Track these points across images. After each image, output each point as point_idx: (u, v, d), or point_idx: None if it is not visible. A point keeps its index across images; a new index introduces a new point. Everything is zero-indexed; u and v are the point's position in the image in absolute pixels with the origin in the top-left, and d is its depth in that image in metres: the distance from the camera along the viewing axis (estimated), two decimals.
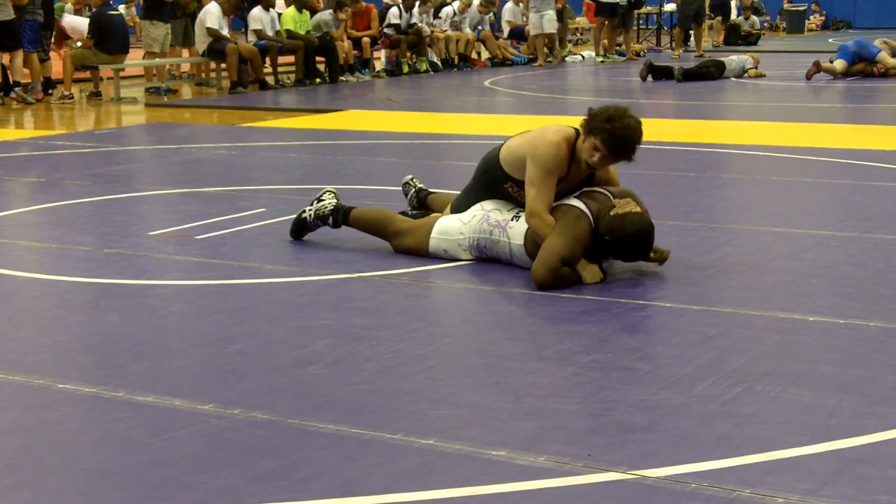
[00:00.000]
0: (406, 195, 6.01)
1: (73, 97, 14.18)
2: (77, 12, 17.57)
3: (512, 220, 5.09)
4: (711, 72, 16.03)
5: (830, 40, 25.24)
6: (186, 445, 3.15)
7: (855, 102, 13.54)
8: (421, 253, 5.30)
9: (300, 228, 5.69)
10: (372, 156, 9.13)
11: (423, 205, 5.86)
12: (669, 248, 5.31)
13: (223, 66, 15.79)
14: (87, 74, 14.97)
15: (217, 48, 15.20)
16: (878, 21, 33.30)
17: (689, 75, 15.82)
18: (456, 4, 19.67)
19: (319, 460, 3.04)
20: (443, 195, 5.87)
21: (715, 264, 5.17)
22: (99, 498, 2.86)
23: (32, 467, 3.05)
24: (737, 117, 12.01)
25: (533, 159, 4.94)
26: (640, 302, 4.60)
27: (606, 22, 20.39)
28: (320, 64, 16.78)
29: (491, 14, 20.30)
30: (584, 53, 21.33)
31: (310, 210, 5.65)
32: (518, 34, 20.68)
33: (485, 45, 20.27)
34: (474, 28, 19.85)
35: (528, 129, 5.28)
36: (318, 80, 16.46)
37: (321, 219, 5.62)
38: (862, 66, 15.88)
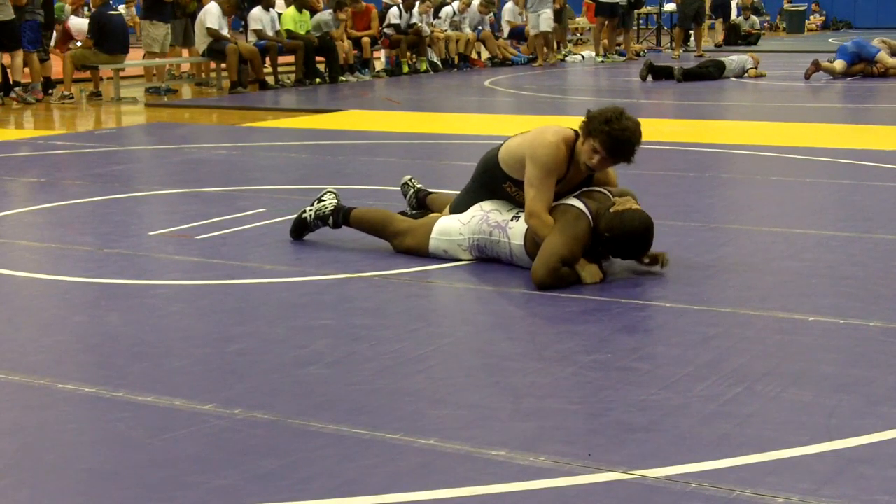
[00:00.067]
0: (405, 195, 6.01)
1: (73, 97, 14.18)
2: (75, 12, 17.57)
3: (511, 220, 5.09)
4: (711, 72, 16.03)
5: (830, 40, 25.25)
6: (186, 445, 3.15)
7: (855, 102, 13.54)
8: (421, 253, 5.30)
9: (300, 228, 5.69)
10: (372, 156, 9.13)
11: (423, 205, 5.86)
12: (669, 248, 5.31)
13: (223, 66, 15.79)
14: (87, 74, 14.97)
15: (217, 48, 15.20)
16: (878, 21, 33.30)
17: (689, 75, 15.82)
18: (456, 4, 19.68)
19: (319, 460, 3.04)
20: (442, 195, 5.87)
21: (715, 264, 5.17)
22: (99, 498, 2.86)
23: (32, 467, 3.05)
24: (737, 117, 12.01)
25: (532, 160, 4.94)
26: (640, 302, 4.60)
27: (606, 22, 20.39)
28: (320, 64, 16.78)
29: (491, 14, 20.30)
30: (584, 53, 21.33)
31: (310, 210, 5.65)
32: (518, 34, 20.68)
33: (485, 45, 20.27)
34: (474, 28, 19.85)
35: (528, 129, 5.28)
36: (318, 80, 16.46)
37: (321, 219, 5.62)
38: (862, 66, 15.88)
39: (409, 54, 18.39)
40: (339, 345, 4.06)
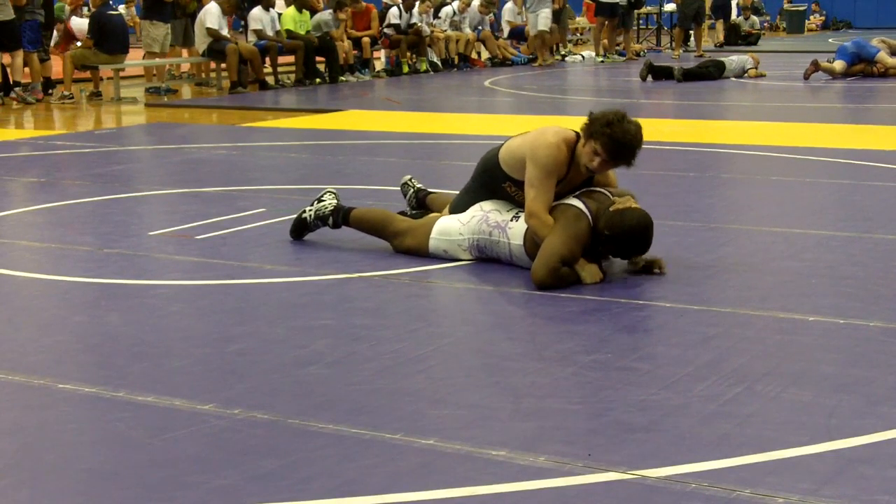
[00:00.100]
0: (405, 195, 6.01)
1: (73, 97, 14.18)
2: (73, 12, 17.57)
3: (511, 220, 5.09)
4: (711, 72, 16.03)
5: (830, 40, 25.25)
6: (186, 445, 3.15)
7: (855, 102, 13.54)
8: (421, 253, 5.30)
9: (300, 228, 5.69)
10: (372, 156, 9.13)
11: (422, 205, 5.86)
12: (669, 248, 5.32)
13: (223, 66, 15.79)
14: (87, 74, 14.98)
15: (217, 48, 15.20)
16: (878, 21, 33.30)
17: (689, 75, 15.82)
18: (455, 4, 19.68)
19: (319, 460, 3.04)
20: (442, 195, 5.87)
21: (715, 264, 5.17)
22: (99, 498, 2.86)
23: (32, 467, 3.05)
24: (737, 117, 12.01)
25: (533, 160, 4.94)
26: (640, 302, 4.60)
27: (606, 22, 20.38)
28: (320, 64, 16.78)
29: (491, 14, 20.30)
30: (584, 53, 21.34)
31: (310, 210, 5.65)
32: (518, 34, 20.68)
33: (485, 45, 20.27)
34: (474, 28, 19.85)
35: (528, 129, 5.28)
36: (318, 80, 16.46)
37: (321, 219, 5.62)
38: (862, 66, 15.88)
39: (409, 54, 18.39)
40: (339, 345, 4.06)
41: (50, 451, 3.15)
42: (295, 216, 5.74)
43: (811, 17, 34.81)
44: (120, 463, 3.05)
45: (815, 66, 15.80)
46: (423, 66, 18.52)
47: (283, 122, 11.81)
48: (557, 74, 18.26)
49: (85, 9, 18.91)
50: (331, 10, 16.94)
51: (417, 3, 18.47)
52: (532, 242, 4.94)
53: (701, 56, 19.80)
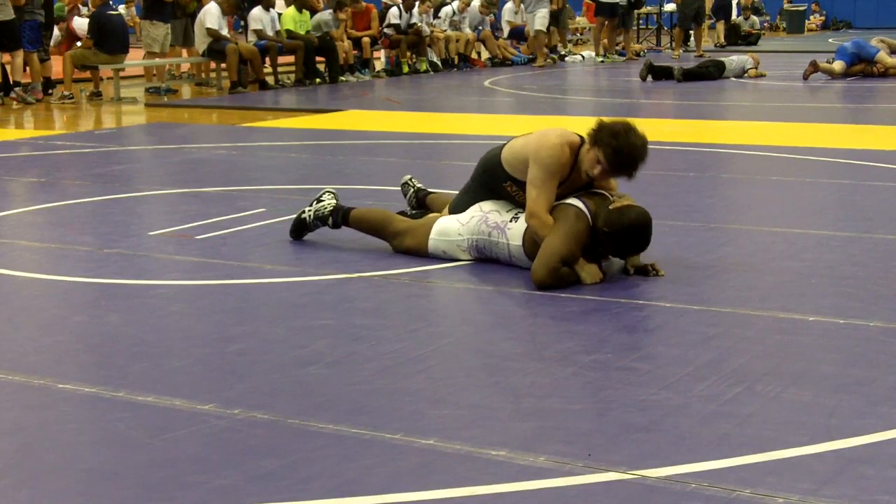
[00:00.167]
0: (405, 195, 6.01)
1: (73, 97, 14.18)
2: (70, 12, 17.57)
3: (511, 221, 5.09)
4: (711, 72, 16.03)
5: (830, 40, 25.25)
6: (186, 445, 3.15)
7: (854, 102, 13.54)
8: (420, 253, 5.30)
9: (300, 229, 5.70)
10: (372, 156, 9.13)
11: (422, 205, 5.86)
12: (669, 248, 5.33)
13: (223, 66, 15.79)
14: (87, 74, 14.98)
15: (217, 48, 15.20)
16: (878, 21, 33.29)
17: (689, 75, 15.82)
18: (455, 4, 19.67)
19: (319, 460, 3.04)
20: (442, 195, 5.88)
21: (715, 264, 5.17)
22: (99, 498, 2.86)
23: (32, 467, 3.05)
24: (737, 117, 12.01)
25: (536, 161, 4.94)
26: (640, 302, 4.60)
27: (606, 22, 20.38)
28: (320, 64, 16.78)
29: (491, 14, 20.29)
30: (584, 53, 21.34)
31: (309, 210, 5.65)
32: (518, 34, 20.67)
33: (485, 45, 20.27)
34: (474, 28, 19.85)
35: (529, 129, 5.28)
36: (318, 80, 16.46)
37: (321, 219, 5.62)
38: (862, 66, 15.88)
39: (409, 54, 18.39)
40: (339, 345, 4.06)
41: (50, 451, 3.16)
42: (295, 216, 5.74)
43: (811, 17, 34.82)
44: (120, 463, 3.05)
45: (814, 67, 15.79)
46: (423, 66, 18.52)
47: (283, 122, 11.81)
48: (557, 74, 18.26)
49: (84, 9, 18.91)
50: (331, 10, 16.94)
51: (417, 3, 18.47)
52: (531, 243, 4.94)
53: (701, 56, 19.80)
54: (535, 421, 3.31)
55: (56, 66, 15.26)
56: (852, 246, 5.50)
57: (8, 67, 14.00)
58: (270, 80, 15.98)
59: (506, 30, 20.99)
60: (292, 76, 16.56)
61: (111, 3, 15.10)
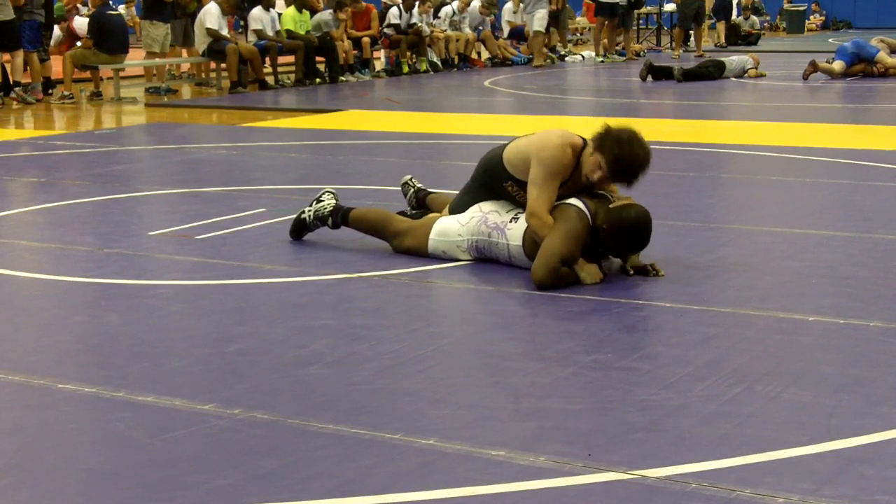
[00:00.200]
0: (405, 195, 6.01)
1: (73, 97, 14.18)
2: (69, 12, 17.57)
3: (510, 221, 5.09)
4: (711, 72, 16.03)
5: (830, 40, 25.25)
6: (186, 445, 3.15)
7: (854, 102, 13.54)
8: (420, 253, 5.30)
9: (299, 229, 5.69)
10: (372, 156, 9.13)
11: (422, 205, 5.86)
12: (669, 248, 5.32)
13: (223, 66, 15.79)
14: (87, 74, 14.98)
15: (217, 48, 15.20)
16: (878, 21, 33.29)
17: (689, 75, 15.82)
18: (455, 4, 19.67)
19: (319, 460, 3.04)
20: (442, 195, 5.88)
21: (715, 264, 5.17)
22: (99, 498, 2.86)
23: (32, 467, 3.05)
24: (737, 117, 12.01)
25: (538, 160, 4.94)
26: (640, 302, 4.60)
27: (606, 22, 20.38)
28: (320, 64, 16.78)
29: (491, 14, 20.29)
30: (584, 53, 21.33)
31: (309, 211, 5.65)
32: (518, 34, 20.67)
33: (485, 45, 20.27)
34: (475, 28, 19.85)
35: (529, 129, 5.28)
36: (318, 80, 16.46)
37: (320, 219, 5.62)
38: (862, 66, 15.88)
39: (409, 54, 18.39)
40: (339, 345, 4.06)
41: (50, 451, 3.16)
42: (294, 217, 5.74)
43: (811, 17, 34.81)
44: (120, 463, 3.05)
45: (814, 67, 15.79)
46: (423, 66, 18.52)
47: (283, 122, 11.81)
48: (557, 74, 18.26)
49: (84, 9, 18.92)
50: (331, 10, 16.94)
51: (417, 4, 18.46)
52: (531, 243, 4.94)
53: (701, 56, 19.80)
54: (535, 421, 3.31)
55: (56, 66, 15.26)
56: (852, 246, 5.50)
57: (8, 67, 14.00)
58: (270, 80, 15.98)
59: (506, 30, 20.99)
60: (292, 76, 16.56)
61: (111, 3, 15.10)
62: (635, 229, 4.79)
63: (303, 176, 8.19)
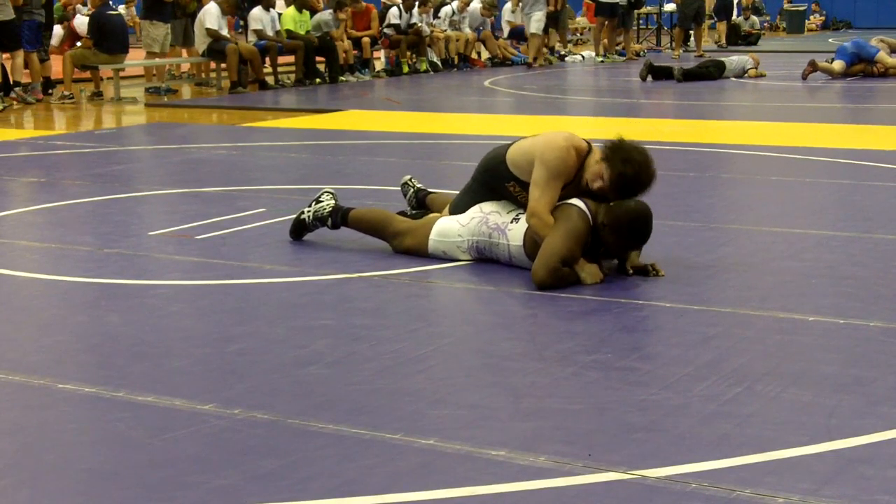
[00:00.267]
0: (405, 195, 6.01)
1: (73, 97, 14.18)
2: (65, 12, 17.57)
3: (511, 222, 5.09)
4: (711, 72, 16.03)
5: (830, 40, 25.25)
6: (186, 445, 3.15)
7: (854, 102, 13.54)
8: (420, 253, 5.30)
9: (299, 229, 5.69)
10: (372, 156, 9.13)
11: (422, 205, 5.86)
12: (669, 248, 5.33)
13: (223, 66, 15.79)
14: (87, 74, 14.98)
15: (217, 48, 15.20)
16: (878, 21, 33.30)
17: (689, 75, 15.82)
18: (455, 4, 19.67)
19: (319, 460, 3.04)
20: (442, 195, 5.88)
21: (715, 264, 5.17)
22: (99, 498, 2.86)
23: (32, 467, 3.05)
24: (737, 117, 12.01)
25: (542, 161, 4.94)
26: (640, 302, 4.60)
27: (606, 22, 20.39)
28: (320, 64, 16.78)
29: (492, 16, 20.28)
30: (584, 53, 21.33)
31: (308, 211, 5.65)
32: (518, 34, 20.67)
33: (485, 45, 20.27)
34: (475, 28, 19.85)
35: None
36: (318, 80, 16.46)
37: (320, 220, 5.62)
38: (862, 66, 15.88)
39: (409, 54, 18.39)
40: (339, 345, 4.06)
41: (50, 451, 3.16)
42: (294, 217, 5.73)
43: (811, 17, 34.82)
44: (120, 463, 3.05)
45: (813, 67, 15.79)
46: (423, 66, 18.52)
47: (283, 122, 11.81)
48: (557, 74, 18.26)
49: (84, 8, 18.92)
50: (331, 10, 16.94)
51: (417, 3, 18.46)
52: (531, 243, 4.94)
53: (701, 56, 19.80)
54: (535, 421, 3.31)
55: (56, 66, 15.26)
56: (852, 246, 5.50)
57: (8, 67, 14.00)
58: (270, 80, 15.97)
59: (506, 30, 20.99)
60: (292, 76, 16.56)
61: (111, 3, 15.09)
62: (636, 223, 4.78)
63: (303, 176, 8.19)
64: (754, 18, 28.40)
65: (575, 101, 14.30)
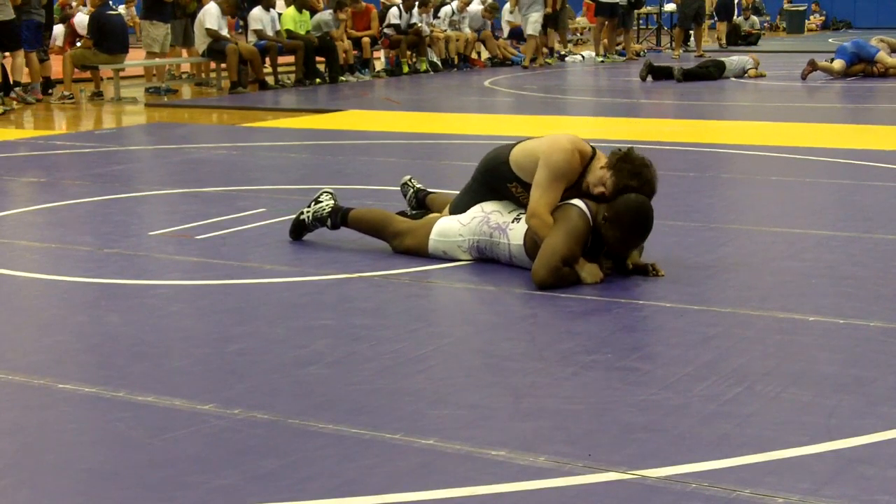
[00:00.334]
0: (405, 195, 6.01)
1: (73, 97, 14.18)
2: (63, 10, 17.58)
3: (512, 221, 5.09)
4: (711, 72, 16.03)
5: (830, 40, 25.25)
6: (186, 445, 3.15)
7: (854, 102, 13.54)
8: (420, 253, 5.30)
9: (299, 230, 5.69)
10: (372, 156, 9.13)
11: (422, 205, 5.86)
12: (669, 248, 5.33)
13: (223, 66, 15.79)
14: (88, 74, 14.98)
15: (217, 48, 15.20)
16: (878, 21, 33.31)
17: (689, 75, 15.82)
18: (455, 4, 19.67)
19: (319, 460, 3.04)
20: (442, 195, 5.88)
21: (715, 264, 5.17)
22: (99, 498, 2.86)
23: (32, 467, 3.05)
24: (737, 117, 12.01)
25: (545, 162, 4.94)
26: (640, 302, 4.60)
27: (606, 22, 20.39)
28: (320, 64, 16.78)
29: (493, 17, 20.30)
30: (584, 53, 21.34)
31: (308, 212, 5.65)
32: (518, 34, 20.67)
33: (485, 45, 20.27)
34: (476, 29, 19.84)
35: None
36: (318, 80, 16.46)
37: (319, 220, 5.62)
38: (862, 66, 15.87)
39: (409, 54, 18.39)
40: (339, 345, 4.06)
41: (50, 451, 3.16)
42: (294, 217, 5.73)
43: (811, 17, 34.83)
44: (120, 463, 3.05)
45: (813, 66, 15.79)
46: (423, 66, 18.52)
47: (283, 122, 11.81)
48: (557, 74, 18.26)
49: (84, 8, 18.94)
50: (331, 10, 16.94)
51: (417, 3, 18.46)
52: (532, 243, 4.94)
53: (701, 56, 19.80)
54: (535, 421, 3.31)
55: (56, 66, 15.26)
56: (852, 246, 5.50)
57: (8, 66, 14.00)
58: (270, 80, 15.97)
59: (506, 30, 20.99)
60: (292, 76, 16.56)
61: (111, 3, 15.09)
62: (638, 217, 4.78)
63: (303, 176, 8.19)
64: (754, 18, 28.41)
65: (575, 101, 14.30)
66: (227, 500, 2.81)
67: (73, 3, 20.60)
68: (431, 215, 5.52)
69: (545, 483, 2.88)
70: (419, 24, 18.41)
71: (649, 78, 15.91)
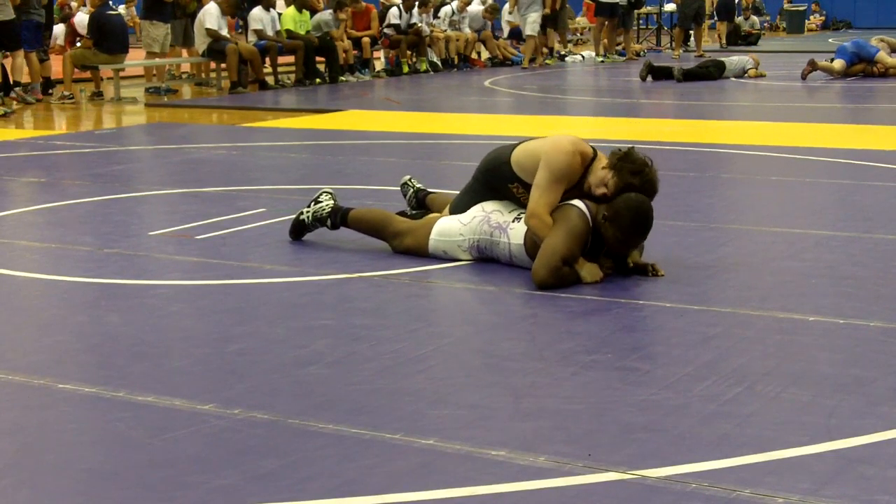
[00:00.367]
0: (405, 195, 6.01)
1: (73, 97, 14.18)
2: (62, 10, 17.58)
3: (513, 221, 5.09)
4: (711, 72, 16.04)
5: (830, 40, 25.25)
6: (186, 445, 3.15)
7: (854, 102, 13.54)
8: (420, 253, 5.30)
9: (299, 230, 5.69)
10: (372, 156, 9.13)
11: (422, 205, 5.87)
12: (669, 248, 5.32)
13: (223, 66, 15.79)
14: (88, 74, 14.98)
15: (217, 48, 15.20)
16: (878, 21, 33.31)
17: (689, 75, 15.82)
18: (455, 4, 19.67)
19: (319, 460, 3.04)
20: (442, 195, 5.88)
21: (715, 264, 5.17)
22: (99, 498, 2.86)
23: (32, 467, 3.05)
24: (737, 117, 12.01)
25: (546, 163, 4.94)
26: (640, 302, 4.60)
27: (606, 22, 20.38)
28: (320, 64, 16.78)
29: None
30: (584, 53, 21.34)
31: (307, 212, 5.65)
32: (518, 34, 20.67)
33: (485, 45, 20.27)
34: (476, 29, 19.84)
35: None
36: (318, 80, 16.46)
37: (319, 220, 5.62)
38: (862, 66, 15.87)
39: (409, 54, 18.39)
40: (339, 345, 4.06)
41: (50, 451, 3.16)
42: (293, 217, 5.73)
43: (811, 17, 34.83)
44: (120, 463, 3.05)
45: (813, 66, 15.80)
46: (423, 66, 18.52)
47: (283, 122, 11.82)
48: (557, 74, 18.26)
49: (84, 8, 18.95)
50: (331, 10, 16.94)
51: (417, 3, 18.46)
52: (532, 243, 4.94)
53: (701, 56, 19.80)
54: (535, 421, 3.31)
55: (56, 65, 15.25)
56: (852, 246, 5.51)
57: (8, 67, 14.00)
58: (270, 80, 15.97)
59: (505, 30, 20.99)
60: (292, 76, 16.56)
61: (111, 3, 15.09)
62: (638, 215, 4.77)
63: (303, 176, 8.19)
64: (754, 18, 28.41)
65: (575, 101, 14.30)
66: (227, 500, 2.81)
67: (73, 3, 20.64)
68: (431, 215, 5.52)
69: (545, 483, 2.88)
70: (419, 24, 18.41)
71: (649, 78, 15.91)
